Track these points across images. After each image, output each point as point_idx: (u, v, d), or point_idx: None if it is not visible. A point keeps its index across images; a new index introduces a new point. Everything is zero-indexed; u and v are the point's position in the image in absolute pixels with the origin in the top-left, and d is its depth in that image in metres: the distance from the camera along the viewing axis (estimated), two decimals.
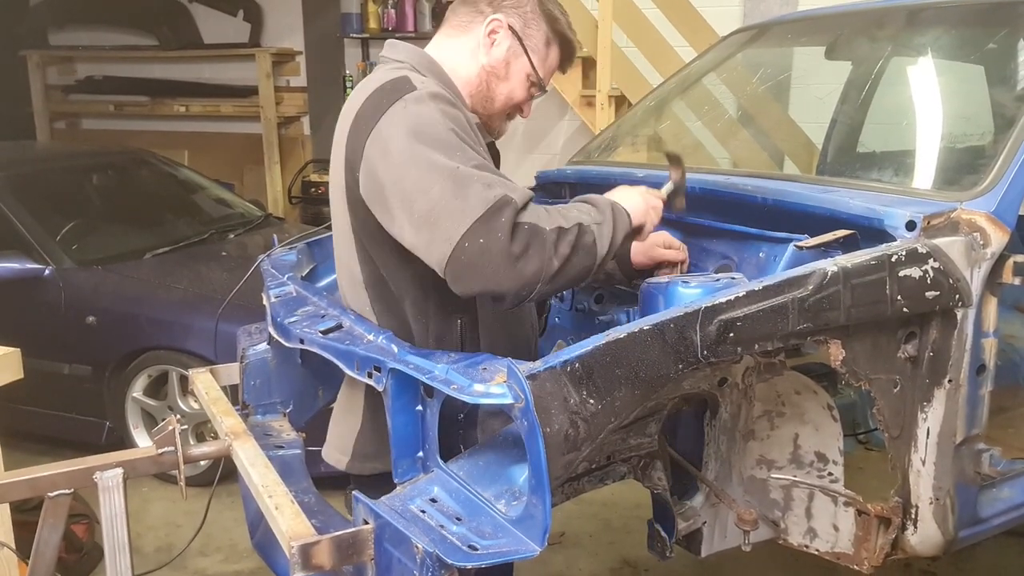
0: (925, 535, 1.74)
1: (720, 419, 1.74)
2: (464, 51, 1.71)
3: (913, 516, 1.73)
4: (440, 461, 1.56)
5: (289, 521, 1.53)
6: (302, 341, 1.83)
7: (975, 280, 1.67)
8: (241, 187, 7.00)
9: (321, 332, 1.77)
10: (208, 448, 2.00)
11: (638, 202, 1.67)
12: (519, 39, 1.67)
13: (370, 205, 1.57)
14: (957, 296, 1.64)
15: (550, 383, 1.30)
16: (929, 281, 1.59)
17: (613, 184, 2.30)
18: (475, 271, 1.41)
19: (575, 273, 1.48)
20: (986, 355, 1.73)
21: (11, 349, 2.27)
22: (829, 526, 1.80)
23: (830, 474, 1.78)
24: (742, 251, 1.92)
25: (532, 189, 2.57)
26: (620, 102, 4.95)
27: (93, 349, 3.73)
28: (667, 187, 1.86)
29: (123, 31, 7.54)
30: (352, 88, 7.24)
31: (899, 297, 1.56)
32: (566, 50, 1.74)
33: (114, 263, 3.89)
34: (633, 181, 2.25)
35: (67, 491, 1.86)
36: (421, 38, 6.51)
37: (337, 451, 1.84)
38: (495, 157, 1.78)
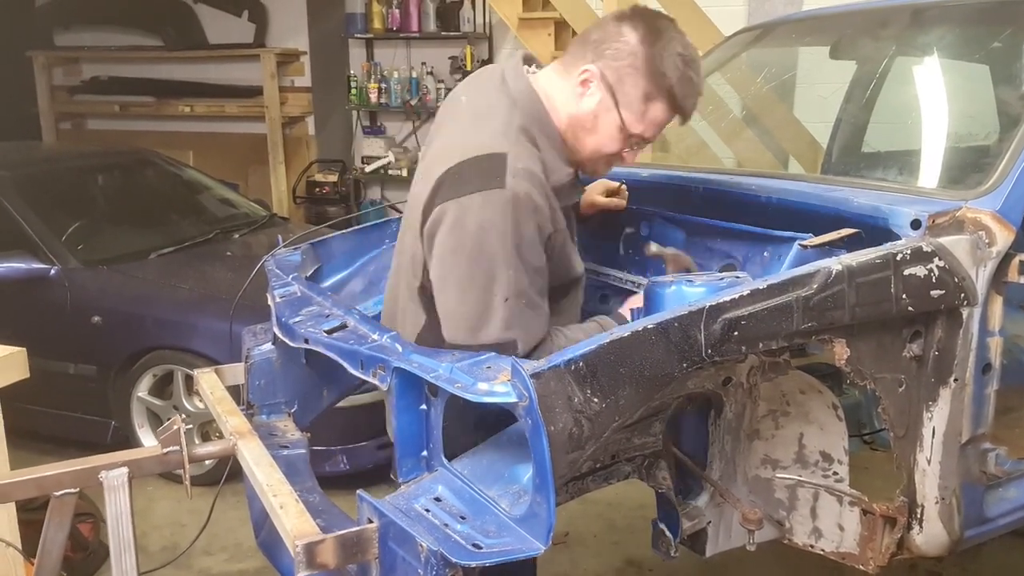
0: (931, 535, 1.74)
1: (724, 418, 1.73)
2: (562, 94, 1.70)
3: (919, 516, 1.72)
4: (444, 460, 1.56)
5: (294, 520, 1.53)
6: (307, 341, 1.83)
7: (980, 279, 1.66)
8: (246, 187, 7.01)
9: (326, 332, 1.77)
10: (213, 448, 2.00)
11: None
12: (611, 92, 1.65)
13: (424, 246, 1.68)
14: (962, 295, 1.63)
15: (554, 381, 1.30)
16: (934, 280, 1.59)
17: (615, 184, 2.31)
18: None
19: None
20: (992, 354, 1.73)
21: (17, 348, 2.27)
22: (834, 526, 1.80)
23: (835, 474, 1.77)
24: (747, 250, 1.92)
25: None
26: None
27: (98, 349, 3.74)
28: None
29: (128, 32, 7.56)
30: (356, 88, 7.19)
31: (904, 296, 1.56)
32: (675, 105, 1.67)
33: (119, 263, 3.90)
34: (638, 181, 2.26)
35: (73, 490, 1.87)
36: (425, 38, 6.53)
37: None
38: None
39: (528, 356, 1.58)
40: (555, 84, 1.72)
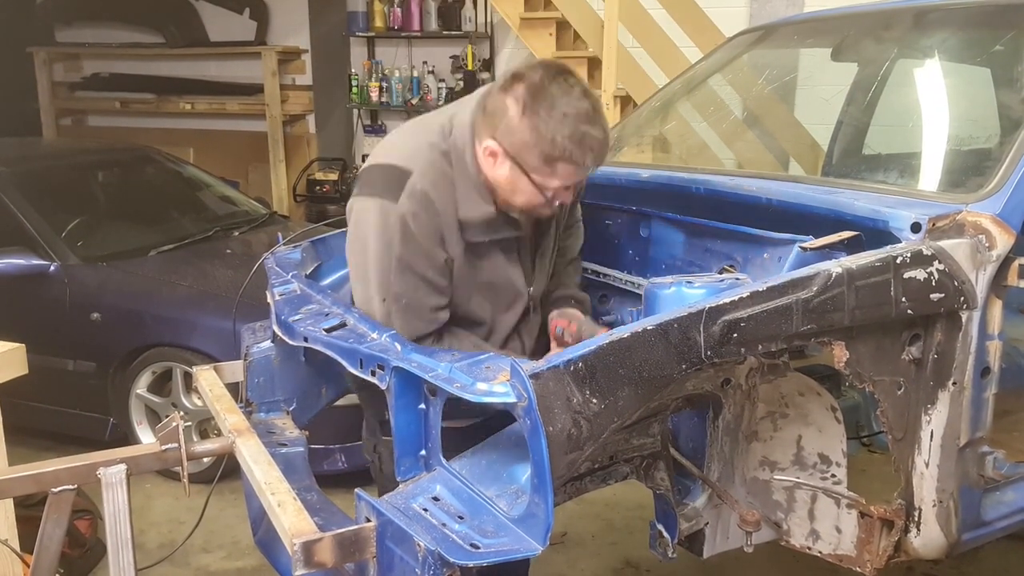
0: (928, 538, 1.74)
1: (723, 420, 1.73)
2: (479, 156, 1.76)
3: (916, 519, 1.72)
4: (443, 459, 1.56)
5: (291, 518, 1.53)
6: (306, 339, 1.83)
7: (980, 282, 1.66)
8: (246, 185, 7.01)
9: (325, 330, 1.77)
10: (211, 445, 2.00)
11: None
12: (516, 162, 1.71)
13: None
14: (962, 298, 1.63)
15: (553, 382, 1.30)
16: (934, 283, 1.59)
17: (618, 186, 2.31)
18: None
19: None
20: (991, 358, 1.73)
21: (16, 345, 2.27)
22: (832, 528, 1.80)
23: (833, 476, 1.78)
24: (747, 252, 1.92)
25: None
26: (625, 102, 4.95)
27: (97, 345, 3.73)
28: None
29: (129, 28, 7.55)
30: (357, 86, 7.21)
31: (903, 299, 1.56)
32: (575, 161, 1.69)
33: (119, 260, 3.89)
34: (638, 181, 2.25)
35: (71, 487, 1.87)
36: (426, 37, 6.53)
37: None
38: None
39: None
40: (475, 145, 1.76)
